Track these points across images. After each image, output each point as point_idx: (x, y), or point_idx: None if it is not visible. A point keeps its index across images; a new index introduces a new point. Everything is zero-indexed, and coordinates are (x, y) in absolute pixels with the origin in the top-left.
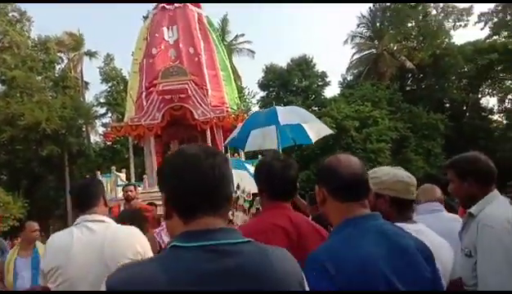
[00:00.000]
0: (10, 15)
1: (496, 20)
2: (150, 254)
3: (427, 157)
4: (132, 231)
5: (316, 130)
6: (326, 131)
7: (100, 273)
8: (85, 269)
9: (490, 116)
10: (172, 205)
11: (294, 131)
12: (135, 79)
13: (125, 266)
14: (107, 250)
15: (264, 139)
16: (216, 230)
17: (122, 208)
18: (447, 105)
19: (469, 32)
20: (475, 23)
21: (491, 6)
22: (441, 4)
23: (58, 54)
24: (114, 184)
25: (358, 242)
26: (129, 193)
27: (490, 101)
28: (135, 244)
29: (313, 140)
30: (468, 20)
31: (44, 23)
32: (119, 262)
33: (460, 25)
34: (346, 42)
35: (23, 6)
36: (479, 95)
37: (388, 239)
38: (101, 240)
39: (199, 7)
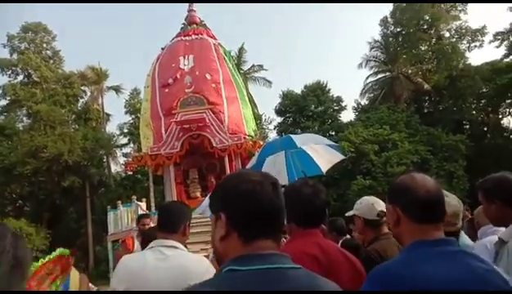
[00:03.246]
0: (43, 53)
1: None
2: None
3: (449, 179)
4: (203, 262)
5: (326, 158)
6: (338, 157)
7: None
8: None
9: None
10: (233, 226)
11: (303, 161)
12: (146, 107)
13: (184, 291)
14: (177, 276)
15: (277, 173)
16: (272, 255)
17: (136, 241)
18: (467, 127)
19: (484, 51)
20: (490, 41)
21: (507, 25)
22: (454, 26)
23: (82, 87)
24: (134, 213)
25: (421, 265)
26: (146, 226)
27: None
28: (204, 275)
29: (324, 170)
30: (483, 41)
31: (73, 57)
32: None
33: (476, 46)
34: (361, 65)
35: (57, 44)
36: (500, 116)
37: (456, 266)
38: (172, 266)
39: (215, 38)
